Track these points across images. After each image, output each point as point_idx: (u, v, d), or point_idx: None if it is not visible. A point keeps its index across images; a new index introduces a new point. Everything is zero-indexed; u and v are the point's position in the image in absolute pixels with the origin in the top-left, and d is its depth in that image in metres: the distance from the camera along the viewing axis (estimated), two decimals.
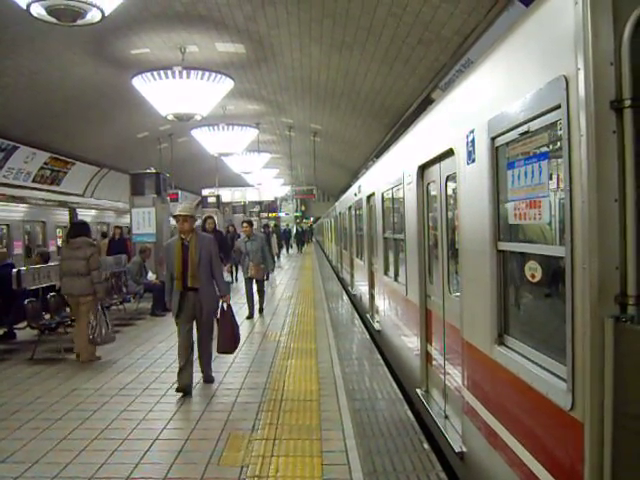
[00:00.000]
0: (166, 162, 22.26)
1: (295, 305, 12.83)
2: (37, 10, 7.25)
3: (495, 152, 3.32)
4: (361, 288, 12.42)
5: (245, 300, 11.39)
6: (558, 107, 2.47)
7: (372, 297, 10.37)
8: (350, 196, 14.33)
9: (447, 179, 4.70)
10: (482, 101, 3.62)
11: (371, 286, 10.47)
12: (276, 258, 20.83)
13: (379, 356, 7.83)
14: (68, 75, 13.92)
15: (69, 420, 5.37)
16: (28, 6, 7.15)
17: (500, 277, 3.36)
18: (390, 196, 7.67)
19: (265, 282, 11.63)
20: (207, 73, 12.16)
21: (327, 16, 10.39)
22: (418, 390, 5.67)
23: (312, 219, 61.13)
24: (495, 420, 3.36)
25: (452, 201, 4.63)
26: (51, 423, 5.29)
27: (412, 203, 5.81)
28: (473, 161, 3.69)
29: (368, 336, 9.24)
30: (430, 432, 5.16)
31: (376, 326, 9.42)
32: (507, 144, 3.20)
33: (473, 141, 3.66)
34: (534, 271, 2.98)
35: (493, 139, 3.30)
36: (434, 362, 5.32)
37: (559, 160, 2.60)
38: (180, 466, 4.31)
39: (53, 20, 7.46)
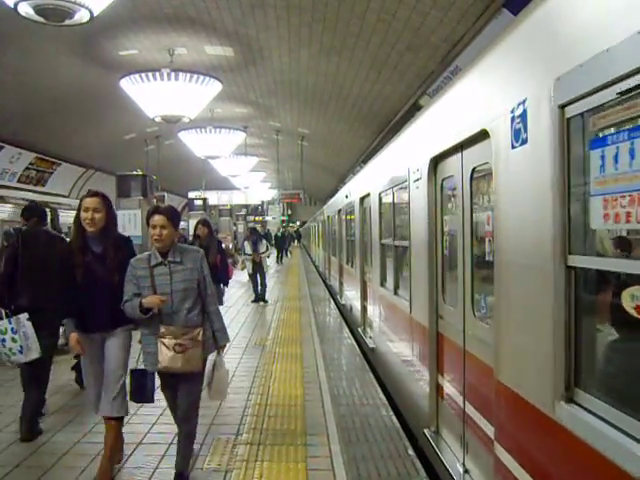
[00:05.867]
0: (153, 164, 22.13)
1: (279, 312, 12.80)
2: (25, 9, 7.18)
3: (566, 126, 2.37)
4: (351, 298, 11.29)
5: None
6: None
7: (364, 309, 9.36)
8: (340, 198, 13.22)
9: (473, 172, 3.76)
10: (545, 50, 2.56)
11: (364, 297, 9.43)
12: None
13: (372, 375, 7.10)
14: (55, 75, 13.82)
15: (51, 423, 5.30)
16: (16, 5, 7.08)
17: (571, 305, 2.39)
18: (390, 196, 6.71)
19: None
20: (195, 76, 12.14)
21: (316, 21, 10.42)
22: (426, 430, 4.72)
23: (298, 223, 61.42)
24: None
25: (481, 200, 3.76)
26: None
27: (421, 204, 4.83)
28: (523, 143, 2.73)
29: (358, 350, 8.52)
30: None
31: (369, 342, 8.36)
32: (589, 112, 2.23)
33: (524, 115, 2.71)
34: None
35: (562, 107, 2.36)
36: (447, 398, 4.39)
37: None
38: (164, 470, 4.27)
39: (41, 20, 7.40)
